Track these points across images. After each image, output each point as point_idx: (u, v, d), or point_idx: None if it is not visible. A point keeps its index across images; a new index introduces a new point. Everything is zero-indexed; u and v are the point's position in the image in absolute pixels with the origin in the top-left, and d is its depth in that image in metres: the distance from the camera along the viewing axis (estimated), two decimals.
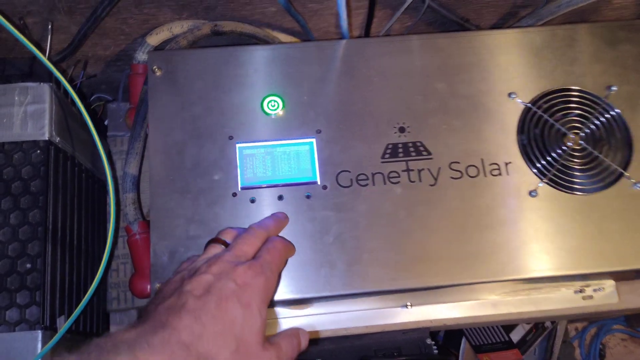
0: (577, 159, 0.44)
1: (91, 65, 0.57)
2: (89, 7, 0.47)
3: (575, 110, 0.45)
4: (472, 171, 0.44)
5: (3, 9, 0.46)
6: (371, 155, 0.44)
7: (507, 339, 0.72)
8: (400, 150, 0.44)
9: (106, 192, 0.55)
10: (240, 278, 0.32)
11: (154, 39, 0.51)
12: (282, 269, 0.40)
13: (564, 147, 0.44)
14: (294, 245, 0.41)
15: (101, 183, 0.54)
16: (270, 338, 0.34)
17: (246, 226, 0.41)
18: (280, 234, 0.41)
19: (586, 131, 0.45)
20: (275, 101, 0.45)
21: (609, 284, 0.51)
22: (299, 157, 0.44)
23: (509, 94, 0.46)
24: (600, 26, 0.49)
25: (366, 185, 0.43)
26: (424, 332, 0.64)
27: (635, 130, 0.45)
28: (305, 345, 0.36)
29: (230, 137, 0.44)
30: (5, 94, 0.43)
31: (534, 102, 0.46)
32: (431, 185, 0.43)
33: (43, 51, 0.48)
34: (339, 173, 0.43)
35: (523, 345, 0.73)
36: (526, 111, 0.45)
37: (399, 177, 0.43)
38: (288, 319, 0.48)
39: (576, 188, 0.43)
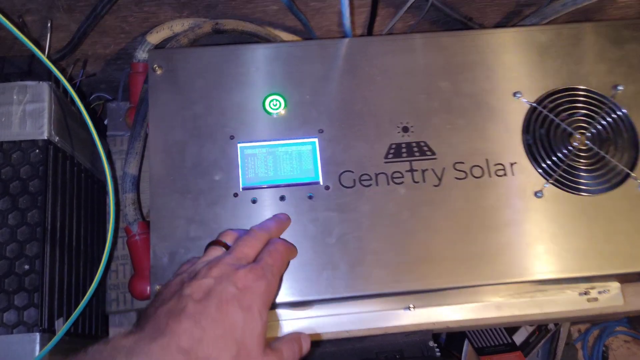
0: (583, 159, 0.44)
1: (91, 63, 0.56)
2: (89, 5, 0.47)
3: (581, 110, 0.45)
4: (477, 171, 0.43)
5: (2, 7, 0.45)
6: (374, 155, 0.43)
7: (510, 341, 0.72)
8: (404, 150, 0.43)
9: (106, 192, 0.54)
10: (241, 281, 0.32)
11: (154, 38, 0.51)
12: (284, 271, 0.39)
13: (569, 147, 0.44)
14: (295, 247, 0.40)
15: (101, 183, 0.54)
16: (271, 343, 0.33)
17: (247, 227, 0.41)
18: (282, 236, 0.41)
19: (592, 131, 0.44)
20: (277, 100, 0.44)
21: (614, 286, 0.51)
22: (301, 157, 0.43)
23: (514, 93, 0.45)
24: (605, 25, 0.49)
25: (369, 185, 0.42)
26: (426, 335, 0.63)
27: None
28: (307, 349, 0.35)
29: (232, 137, 0.43)
30: (4, 93, 0.43)
31: (539, 101, 0.45)
32: (435, 186, 0.43)
33: (42, 49, 0.48)
34: (342, 173, 0.43)
35: (526, 347, 0.73)
36: (531, 111, 0.45)
37: (402, 177, 0.43)
38: (289, 320, 0.47)
39: (582, 189, 0.43)
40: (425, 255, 0.41)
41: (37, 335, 0.38)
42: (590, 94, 0.45)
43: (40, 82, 0.44)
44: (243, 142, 0.43)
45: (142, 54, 0.52)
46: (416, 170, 0.43)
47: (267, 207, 0.42)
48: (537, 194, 0.43)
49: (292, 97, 0.45)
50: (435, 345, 0.59)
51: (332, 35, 0.57)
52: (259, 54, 0.46)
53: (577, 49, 0.47)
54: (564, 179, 0.43)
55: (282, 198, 0.42)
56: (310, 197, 0.42)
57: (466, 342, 0.75)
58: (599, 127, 0.45)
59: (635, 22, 0.48)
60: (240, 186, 0.42)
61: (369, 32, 0.54)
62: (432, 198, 0.42)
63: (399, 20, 0.54)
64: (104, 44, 0.53)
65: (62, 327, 0.41)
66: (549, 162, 0.43)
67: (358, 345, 0.56)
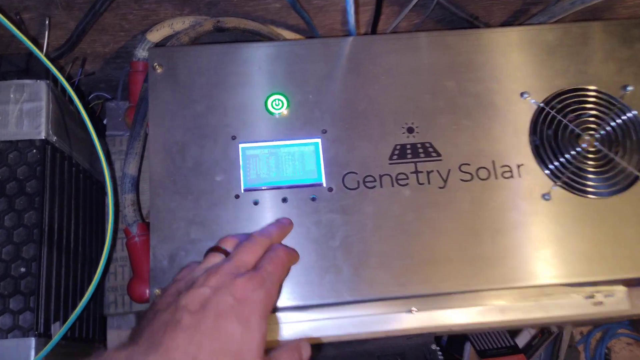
0: (592, 161, 0.43)
1: (90, 62, 0.55)
2: (88, 2, 0.46)
3: (590, 110, 0.44)
4: (483, 173, 0.42)
5: None
6: (379, 156, 0.42)
7: (512, 344, 0.71)
8: (409, 151, 0.43)
9: (104, 193, 0.53)
10: (239, 292, 0.31)
11: (154, 36, 0.50)
12: (284, 278, 0.38)
13: (578, 149, 0.43)
14: (297, 253, 0.40)
15: (99, 184, 0.53)
16: (270, 353, 0.32)
17: (249, 229, 0.40)
18: (284, 239, 0.40)
19: (601, 132, 0.44)
20: (279, 100, 0.43)
21: (620, 289, 0.50)
22: (303, 158, 0.42)
23: (521, 94, 0.45)
24: (614, 24, 0.48)
25: (373, 187, 0.42)
26: (429, 338, 0.62)
27: None
28: (307, 357, 0.34)
29: (233, 137, 0.43)
30: (1, 92, 0.42)
31: (547, 102, 0.44)
32: (440, 188, 0.42)
33: (40, 47, 0.47)
34: (346, 174, 0.42)
35: (529, 350, 0.72)
36: (539, 111, 0.44)
37: (407, 179, 0.42)
38: (289, 324, 0.47)
39: (590, 191, 0.42)
40: (430, 258, 0.40)
41: (33, 340, 0.37)
42: (599, 95, 0.44)
43: (38, 80, 0.43)
44: (245, 143, 0.42)
45: (142, 53, 0.51)
46: (421, 172, 0.42)
47: (269, 209, 0.41)
48: (545, 196, 0.42)
49: (294, 97, 0.44)
50: (438, 348, 0.58)
51: (335, 34, 0.56)
52: (261, 52, 0.45)
53: (585, 49, 0.46)
54: (572, 181, 0.42)
55: (284, 200, 0.41)
56: (313, 199, 0.41)
57: (468, 344, 0.74)
58: (608, 128, 0.44)
59: None
60: (242, 187, 0.41)
61: (373, 30, 0.54)
62: (437, 200, 0.41)
63: (404, 19, 0.53)
64: (103, 42, 0.52)
65: (58, 332, 0.40)
66: (556, 163, 0.42)
67: (359, 348, 0.55)
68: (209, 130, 0.43)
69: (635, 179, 0.43)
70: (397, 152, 0.43)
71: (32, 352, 0.37)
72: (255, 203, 0.41)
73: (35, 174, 0.41)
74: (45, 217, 0.41)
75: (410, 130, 0.43)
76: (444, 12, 0.54)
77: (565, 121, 0.43)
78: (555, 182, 0.42)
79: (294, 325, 0.46)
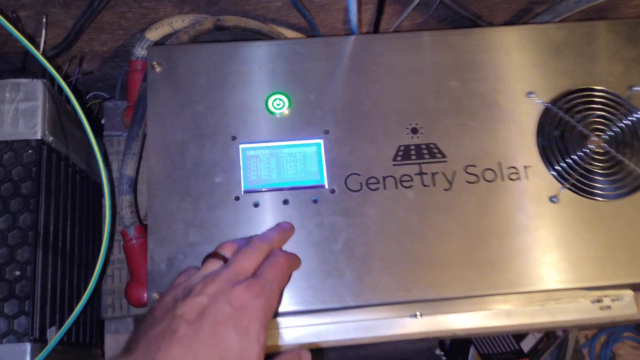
0: (600, 163, 0.42)
1: (87, 61, 0.55)
2: (85, 0, 0.45)
3: (597, 111, 0.43)
4: (489, 175, 0.41)
5: None
6: (382, 158, 0.42)
7: (517, 348, 0.70)
8: (413, 152, 0.42)
9: (101, 194, 0.52)
10: (238, 300, 0.30)
11: (153, 34, 0.49)
12: (285, 285, 0.38)
13: (585, 150, 0.42)
14: (299, 258, 0.39)
15: (96, 185, 0.52)
16: None
17: (249, 232, 0.40)
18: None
19: (609, 133, 0.43)
20: (280, 100, 0.43)
21: (628, 294, 0.49)
22: (305, 159, 0.41)
23: (527, 94, 0.44)
24: (619, 23, 0.47)
25: (377, 189, 0.41)
26: (433, 342, 0.61)
27: None
28: None
29: (233, 138, 0.42)
30: None
31: (554, 102, 0.43)
32: (446, 190, 0.41)
33: (37, 46, 0.46)
34: (348, 176, 0.41)
35: (534, 354, 0.71)
36: (546, 112, 0.43)
37: (411, 180, 0.41)
38: (290, 328, 0.46)
39: (599, 194, 0.41)
40: (435, 262, 0.40)
41: (28, 345, 0.36)
42: (607, 95, 0.44)
43: (34, 79, 0.42)
44: (245, 143, 0.42)
45: (140, 51, 0.50)
46: (426, 174, 0.41)
47: (270, 211, 0.40)
48: (552, 199, 0.41)
49: (296, 97, 0.43)
50: (442, 353, 0.57)
51: (337, 33, 0.55)
52: (262, 51, 0.44)
53: (591, 48, 0.46)
54: (580, 183, 0.41)
55: (285, 202, 0.40)
56: (314, 201, 0.40)
57: (472, 348, 0.73)
58: (616, 129, 0.43)
59: None
60: (242, 189, 0.41)
61: (375, 30, 0.53)
62: (442, 202, 0.41)
63: (406, 18, 0.52)
64: (101, 40, 0.52)
65: (54, 337, 0.39)
66: (564, 165, 0.41)
67: (362, 352, 0.54)
68: (208, 131, 0.42)
69: None
70: (401, 153, 0.42)
71: (28, 358, 0.36)
72: (256, 205, 0.40)
73: (31, 175, 0.40)
74: (40, 219, 0.40)
75: (414, 130, 0.42)
76: (447, 11, 0.53)
77: (573, 122, 0.42)
78: (563, 184, 0.41)
79: (295, 330, 0.46)
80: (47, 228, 0.41)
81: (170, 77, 0.43)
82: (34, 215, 0.39)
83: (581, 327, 0.70)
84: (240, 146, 0.42)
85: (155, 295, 0.38)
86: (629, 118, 0.43)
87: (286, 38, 0.51)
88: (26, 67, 0.44)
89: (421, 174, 0.41)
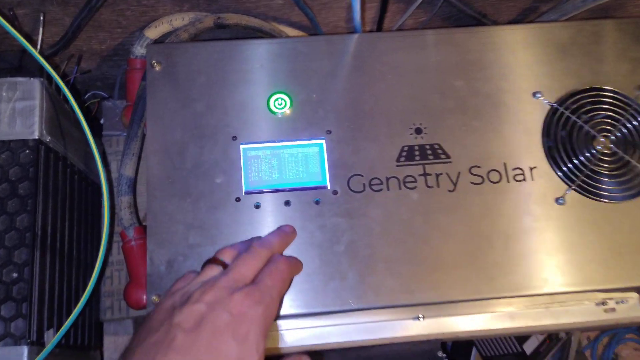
0: (607, 164, 0.41)
1: (86, 60, 0.54)
2: None
3: (605, 111, 0.42)
4: (494, 176, 0.41)
5: None
6: (385, 158, 0.41)
7: (520, 350, 0.69)
8: (417, 152, 0.41)
9: (100, 194, 0.52)
10: (236, 308, 0.30)
11: (152, 32, 0.49)
12: (285, 291, 0.37)
13: (593, 151, 0.41)
14: (300, 262, 0.38)
15: (95, 185, 0.51)
16: None
17: (250, 233, 0.39)
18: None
19: (617, 134, 0.42)
20: (282, 99, 0.42)
21: (633, 296, 0.48)
22: (307, 160, 0.41)
23: (533, 93, 0.43)
24: (627, 22, 0.46)
25: (380, 190, 0.40)
26: (435, 344, 0.60)
27: None
28: None
29: (234, 138, 0.41)
30: None
31: (560, 102, 0.43)
32: (450, 191, 0.40)
33: (34, 44, 0.46)
34: (351, 177, 0.40)
35: (537, 356, 0.70)
36: (552, 112, 0.42)
37: (415, 181, 0.40)
38: (291, 331, 0.45)
39: (606, 195, 0.40)
40: (439, 264, 0.39)
41: (25, 349, 0.36)
42: (614, 95, 0.43)
43: (31, 78, 0.42)
44: (246, 143, 0.41)
45: (139, 50, 0.49)
46: (430, 175, 0.41)
47: (271, 213, 0.40)
48: (559, 200, 0.40)
49: (298, 96, 0.42)
50: (444, 355, 0.56)
51: (339, 31, 0.54)
52: (263, 49, 0.44)
53: (598, 47, 0.45)
54: (586, 184, 0.40)
55: (287, 203, 0.40)
56: (317, 202, 0.40)
57: (474, 350, 0.72)
58: (624, 130, 0.42)
59: None
60: (243, 190, 0.40)
61: (379, 28, 0.52)
62: (446, 204, 0.40)
63: (410, 17, 0.51)
64: (100, 39, 0.51)
65: (52, 339, 0.38)
66: (571, 166, 0.41)
67: (363, 354, 0.53)
68: (208, 130, 0.41)
69: None
70: (404, 153, 0.41)
71: None
72: (257, 206, 0.40)
73: (28, 175, 0.39)
74: (38, 220, 0.39)
75: (418, 131, 0.42)
76: (451, 10, 0.53)
77: (580, 122, 0.42)
78: (569, 185, 0.40)
79: (296, 332, 0.45)
80: (44, 229, 0.40)
81: (169, 76, 0.43)
82: (31, 216, 0.39)
83: (584, 329, 0.69)
84: (241, 146, 0.41)
85: (155, 298, 0.38)
86: (638, 119, 0.42)
87: (288, 36, 0.50)
88: (23, 66, 0.44)
89: (425, 174, 0.41)
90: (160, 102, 0.42)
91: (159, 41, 0.49)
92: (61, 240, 0.43)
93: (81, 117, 0.41)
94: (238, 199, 0.40)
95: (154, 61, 0.43)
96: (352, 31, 0.45)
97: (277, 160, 0.41)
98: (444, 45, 0.44)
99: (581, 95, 0.43)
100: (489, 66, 0.44)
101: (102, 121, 0.55)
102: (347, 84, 0.43)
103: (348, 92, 0.43)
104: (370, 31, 0.54)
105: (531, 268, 0.39)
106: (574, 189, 0.40)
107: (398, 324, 0.47)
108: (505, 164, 0.41)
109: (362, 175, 0.40)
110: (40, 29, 0.46)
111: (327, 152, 0.41)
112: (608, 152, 0.42)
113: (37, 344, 0.37)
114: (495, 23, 0.54)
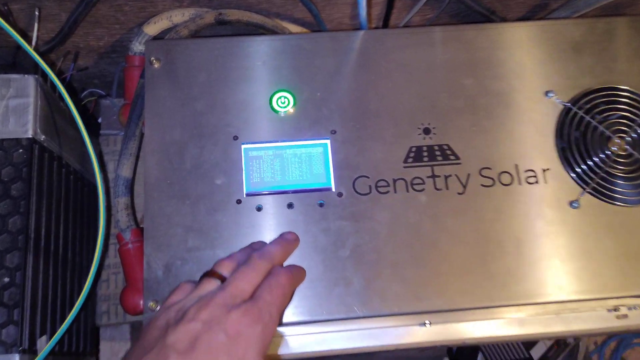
0: (623, 165, 0.40)
1: (82, 57, 0.52)
2: None
3: (620, 111, 0.41)
4: (506, 178, 0.39)
5: None
6: (392, 159, 0.40)
7: (527, 356, 0.68)
8: (425, 153, 0.40)
9: (97, 195, 0.50)
10: (233, 327, 0.28)
11: (151, 29, 0.47)
12: (287, 306, 0.36)
13: (607, 152, 0.40)
14: (303, 271, 0.37)
15: (91, 186, 0.50)
16: None
17: (251, 237, 0.38)
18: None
19: (632, 135, 0.41)
20: (285, 97, 0.41)
21: None
22: (311, 161, 0.39)
23: (546, 93, 0.41)
24: None
25: (387, 192, 0.39)
26: (441, 350, 0.59)
27: None
28: None
29: (235, 137, 0.40)
30: None
31: (574, 101, 0.41)
32: (459, 194, 0.39)
33: (29, 40, 0.44)
34: (356, 179, 0.39)
35: None
36: (565, 112, 0.41)
37: (423, 184, 0.39)
38: (293, 337, 0.44)
39: (621, 198, 0.39)
40: (448, 270, 0.38)
41: (17, 357, 0.35)
42: (630, 95, 0.41)
43: (26, 75, 0.40)
44: (247, 143, 0.40)
45: (138, 46, 0.48)
46: (438, 176, 0.39)
47: (273, 216, 0.38)
48: (573, 204, 0.39)
49: (301, 94, 0.41)
50: None
51: (344, 28, 0.53)
52: (265, 46, 0.42)
53: (612, 45, 0.44)
54: (601, 187, 0.39)
55: (289, 206, 0.38)
56: (321, 205, 0.38)
57: (480, 356, 0.71)
58: None
59: None
60: (244, 192, 0.39)
61: (385, 25, 0.51)
62: (456, 207, 0.39)
63: (417, 13, 0.50)
64: (97, 35, 0.50)
65: (45, 347, 0.37)
66: (585, 168, 0.39)
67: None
68: (209, 130, 0.40)
69: None
70: (412, 154, 0.40)
71: None
72: (259, 209, 0.38)
73: (21, 176, 0.38)
74: (31, 222, 0.38)
75: (426, 131, 0.40)
76: (459, 6, 0.51)
77: (594, 122, 0.40)
78: (584, 188, 0.39)
79: (298, 338, 0.43)
80: (38, 232, 0.39)
81: (169, 74, 0.41)
82: (24, 218, 0.37)
83: (596, 335, 0.68)
84: (243, 146, 0.40)
85: (152, 304, 0.36)
86: None
87: (291, 33, 0.49)
88: (17, 63, 0.42)
89: (433, 176, 0.39)
90: (159, 100, 0.41)
91: (158, 37, 0.48)
92: (55, 242, 0.41)
93: (76, 115, 0.40)
94: (239, 201, 0.38)
95: (152, 58, 0.41)
96: (357, 28, 0.44)
97: (280, 161, 0.39)
98: (452, 42, 0.43)
99: (595, 94, 0.41)
100: (500, 64, 0.42)
101: (99, 120, 0.54)
102: (352, 82, 0.42)
103: (353, 90, 0.41)
104: (376, 28, 0.52)
105: (545, 274, 0.37)
106: (589, 192, 0.39)
107: (404, 330, 0.45)
108: (516, 166, 0.40)
109: (368, 177, 0.39)
110: (36, 25, 0.45)
111: (331, 153, 0.40)
112: (623, 153, 0.40)
113: (30, 351, 0.36)
114: (504, 20, 0.52)
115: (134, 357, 0.28)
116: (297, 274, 0.36)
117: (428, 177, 0.39)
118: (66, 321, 0.39)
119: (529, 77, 0.42)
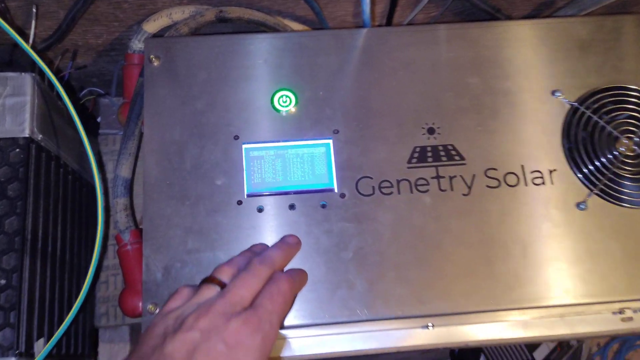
0: (630, 166, 0.39)
1: (81, 55, 0.52)
2: None
3: (628, 111, 0.40)
4: (511, 179, 0.39)
5: None
6: (396, 160, 0.39)
7: (530, 358, 0.67)
8: (429, 154, 0.39)
9: (96, 196, 0.50)
10: (232, 337, 0.27)
11: (151, 26, 0.46)
12: (287, 313, 0.35)
13: (615, 153, 0.39)
14: (305, 275, 0.36)
15: (90, 186, 0.49)
16: None
17: (252, 239, 0.37)
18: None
19: None
20: (286, 96, 0.40)
21: None
22: (313, 161, 0.39)
23: (552, 92, 0.41)
24: None
25: (390, 193, 0.38)
26: (443, 353, 0.58)
27: None
28: None
29: (236, 137, 0.39)
30: None
31: (581, 101, 0.40)
32: (464, 195, 0.38)
33: (26, 38, 0.43)
34: (359, 179, 0.38)
35: None
36: (572, 111, 0.40)
37: (427, 184, 0.38)
38: (295, 339, 0.43)
39: (629, 200, 0.38)
40: (452, 272, 0.37)
41: None
42: (638, 94, 0.41)
43: (23, 73, 0.40)
44: (248, 143, 0.39)
45: (137, 44, 0.47)
46: (443, 177, 0.38)
47: (275, 217, 0.38)
48: (580, 205, 0.38)
49: (303, 93, 0.40)
50: None
51: (346, 26, 0.52)
52: (267, 44, 0.42)
53: (620, 44, 0.43)
54: (609, 189, 0.38)
55: (291, 207, 0.38)
56: (323, 206, 0.38)
57: (482, 357, 0.70)
58: None
59: None
60: (245, 192, 0.38)
61: (388, 23, 0.50)
62: (461, 208, 0.38)
63: (421, 11, 0.49)
64: (96, 33, 0.49)
65: (42, 350, 0.36)
66: (592, 169, 0.39)
67: None
68: (209, 129, 0.39)
69: None
70: (416, 155, 0.39)
71: None
72: (260, 210, 0.38)
73: (18, 176, 0.37)
74: (28, 223, 0.37)
75: (431, 131, 0.39)
76: (464, 4, 0.50)
77: (602, 122, 0.39)
78: (591, 189, 0.38)
79: (299, 340, 0.43)
80: (35, 233, 0.38)
81: (168, 72, 0.41)
82: (20, 219, 0.37)
83: (599, 337, 0.67)
84: (243, 146, 0.39)
85: (151, 307, 0.36)
86: None
87: (293, 31, 0.48)
88: (14, 61, 0.42)
89: (438, 177, 0.38)
90: (159, 99, 0.40)
91: (157, 35, 0.47)
92: (53, 244, 0.41)
93: (74, 113, 0.39)
94: (240, 202, 0.38)
95: (152, 56, 0.41)
96: (360, 26, 0.43)
97: (282, 161, 0.39)
98: (457, 40, 0.42)
99: (603, 94, 0.40)
100: (506, 63, 0.42)
101: (98, 119, 0.53)
102: (355, 81, 0.41)
103: (357, 89, 0.41)
104: (379, 26, 0.51)
105: (551, 277, 0.37)
106: (596, 194, 0.38)
107: (406, 333, 0.45)
108: (522, 167, 0.39)
109: (371, 178, 0.38)
110: (33, 22, 0.44)
111: (334, 153, 0.39)
112: (631, 154, 0.39)
113: (26, 355, 0.35)
114: (509, 18, 0.52)
115: None
116: (299, 279, 0.35)
117: (432, 178, 0.38)
118: (64, 323, 0.38)
119: (536, 76, 0.41)
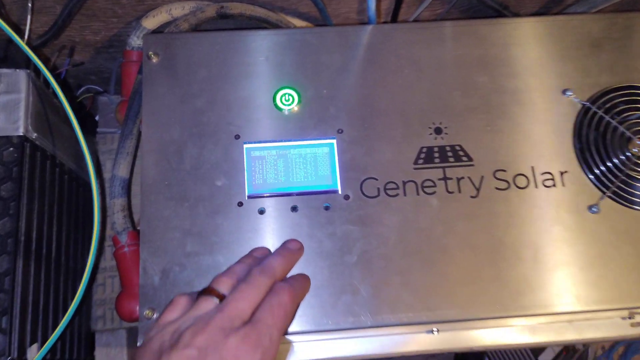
0: None
1: (79, 51, 0.51)
2: None
3: None
4: (521, 181, 0.37)
5: None
6: (402, 161, 0.38)
7: None
8: (436, 154, 0.38)
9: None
10: (231, 354, 0.26)
11: (150, 22, 0.45)
12: (289, 326, 0.34)
13: (628, 154, 0.38)
14: (308, 282, 0.35)
15: (87, 186, 0.48)
16: None
17: (253, 242, 0.36)
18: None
19: None
20: (289, 95, 0.39)
21: None
22: (316, 161, 0.37)
23: (563, 91, 0.40)
24: None
25: (396, 195, 0.37)
26: (448, 357, 0.57)
27: None
28: None
29: (237, 136, 0.38)
30: None
31: (592, 100, 0.39)
32: (473, 197, 0.37)
33: (21, 34, 0.42)
34: (364, 180, 0.37)
35: None
36: (584, 111, 0.39)
37: (434, 186, 0.37)
38: (297, 344, 0.42)
39: None
40: (460, 277, 0.36)
41: None
42: None
43: (17, 70, 0.39)
44: (250, 143, 0.38)
45: (136, 41, 0.46)
46: (450, 179, 0.37)
47: (276, 219, 0.36)
48: (592, 208, 0.37)
49: (306, 92, 0.39)
50: None
51: (350, 23, 0.51)
52: (269, 41, 0.40)
53: (633, 42, 0.42)
54: (622, 191, 0.37)
55: (293, 209, 0.36)
56: (326, 208, 0.36)
57: None
58: None
59: None
60: (246, 194, 0.37)
61: (393, 20, 0.49)
62: (469, 211, 0.37)
63: (427, 8, 0.48)
64: (94, 29, 0.48)
65: (35, 355, 0.35)
66: (604, 170, 0.37)
67: None
68: (209, 129, 0.38)
69: None
70: (423, 155, 0.38)
71: None
72: (261, 212, 0.36)
73: (12, 175, 0.36)
74: (21, 224, 0.36)
75: (438, 130, 0.38)
76: (470, 1, 0.49)
77: (614, 123, 0.38)
78: (604, 192, 0.37)
79: (302, 345, 0.42)
80: (29, 234, 0.37)
81: (168, 69, 0.40)
82: (14, 220, 0.36)
83: (605, 342, 0.66)
84: (245, 146, 0.38)
85: (148, 312, 0.34)
86: None
87: (295, 27, 0.47)
88: (9, 57, 0.41)
89: (445, 179, 0.37)
90: (158, 97, 0.39)
91: (157, 31, 0.46)
92: (48, 246, 0.40)
93: (69, 111, 0.38)
94: (240, 204, 0.37)
95: (151, 52, 0.40)
96: (365, 23, 0.42)
97: (284, 162, 0.38)
98: (465, 37, 0.41)
99: (615, 93, 0.39)
100: (515, 61, 0.40)
101: (97, 117, 0.52)
102: (360, 79, 0.40)
103: (361, 87, 0.39)
104: (385, 23, 0.50)
105: (562, 283, 0.36)
106: (609, 196, 0.37)
107: (411, 338, 0.44)
108: (533, 168, 0.38)
109: (376, 179, 0.37)
110: (28, 17, 0.43)
111: (338, 153, 0.38)
112: None
113: None
114: (517, 16, 0.50)
115: None
116: (301, 288, 0.34)
117: (439, 179, 0.37)
118: (58, 328, 0.37)
119: (546, 74, 0.40)
